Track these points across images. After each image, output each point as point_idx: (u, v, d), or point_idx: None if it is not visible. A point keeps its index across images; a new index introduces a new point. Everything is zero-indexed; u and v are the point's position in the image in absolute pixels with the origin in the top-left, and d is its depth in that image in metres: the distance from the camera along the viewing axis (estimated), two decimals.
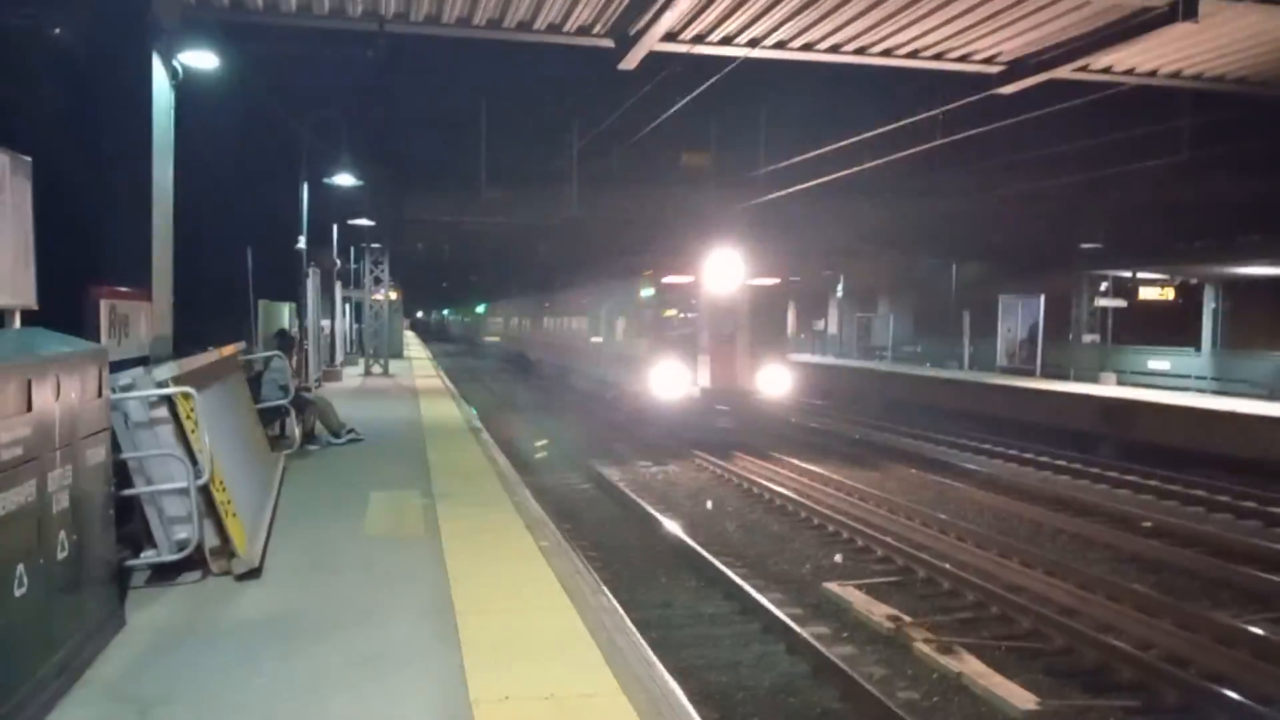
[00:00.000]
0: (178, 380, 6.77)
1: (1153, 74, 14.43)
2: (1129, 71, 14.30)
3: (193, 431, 6.70)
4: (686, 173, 28.23)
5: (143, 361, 8.45)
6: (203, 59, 10.46)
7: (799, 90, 19.94)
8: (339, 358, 30.93)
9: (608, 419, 23.59)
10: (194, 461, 6.65)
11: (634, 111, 19.93)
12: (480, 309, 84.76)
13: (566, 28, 13.03)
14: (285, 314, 18.73)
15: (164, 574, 6.74)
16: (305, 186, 19.84)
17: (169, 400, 6.68)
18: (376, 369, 29.80)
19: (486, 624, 5.73)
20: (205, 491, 6.72)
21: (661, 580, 10.57)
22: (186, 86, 11.00)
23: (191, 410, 6.77)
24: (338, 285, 31.03)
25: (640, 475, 16.77)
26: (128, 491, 6.58)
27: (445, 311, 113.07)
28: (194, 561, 6.81)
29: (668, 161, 27.48)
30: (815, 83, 18.14)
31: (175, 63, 10.43)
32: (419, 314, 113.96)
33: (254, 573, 6.79)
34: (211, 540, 6.78)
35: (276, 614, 6.03)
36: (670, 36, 13.14)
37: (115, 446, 6.34)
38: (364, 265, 32.01)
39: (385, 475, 11.05)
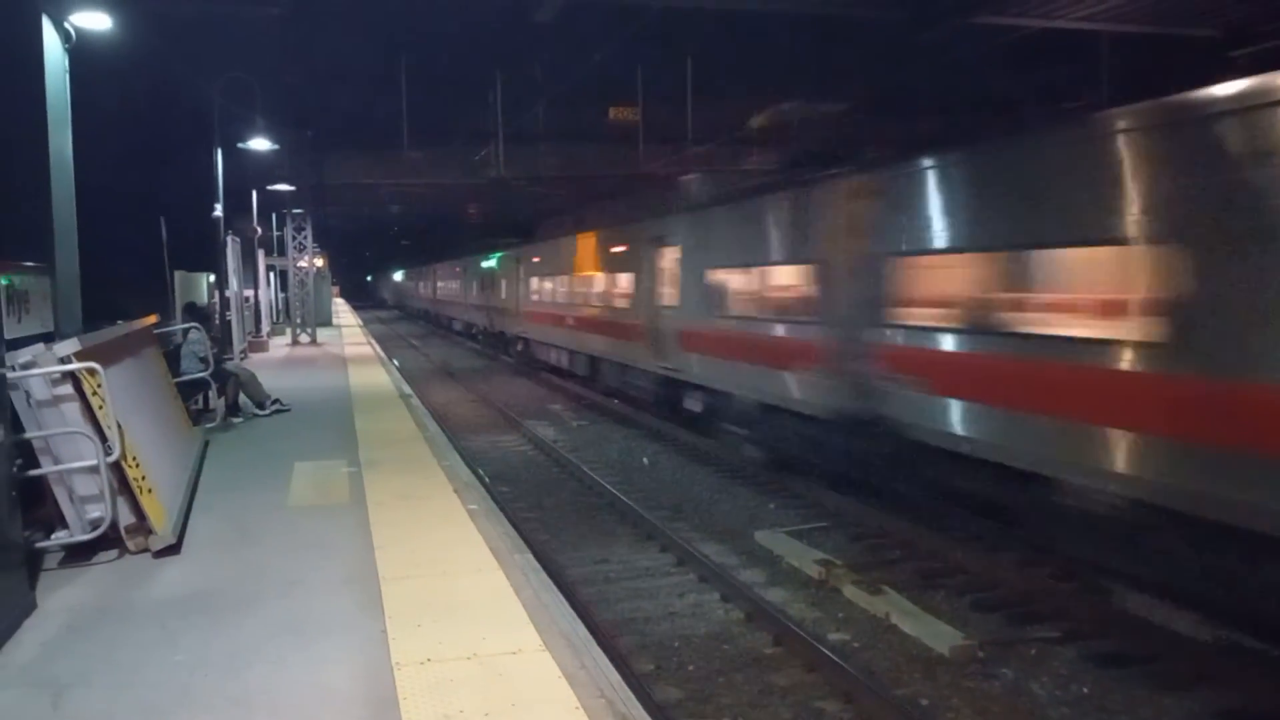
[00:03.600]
0: (81, 356, 6.55)
1: None
2: None
3: (100, 408, 6.50)
4: (614, 128, 27.83)
5: (47, 338, 8.15)
6: (96, 20, 9.98)
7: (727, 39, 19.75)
8: (265, 328, 30.31)
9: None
10: (103, 438, 6.46)
11: (557, 65, 19.62)
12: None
13: None
14: (203, 284, 18.24)
15: (79, 554, 6.58)
16: (219, 152, 19.22)
17: (73, 376, 6.47)
18: (304, 338, 29.27)
19: (411, 589, 5.69)
20: (117, 468, 6.55)
21: (599, 536, 10.62)
22: (83, 51, 10.52)
23: (98, 386, 6.57)
24: (260, 253, 30.29)
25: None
26: (34, 472, 6.39)
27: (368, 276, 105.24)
28: (110, 540, 6.66)
29: (595, 118, 27.13)
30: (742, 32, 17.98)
31: (67, 25, 9.94)
32: (368, 278, 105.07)
33: (172, 549, 6.65)
34: (126, 518, 6.62)
35: (196, 589, 5.92)
36: None
37: (17, 426, 6.14)
38: (287, 232, 31.26)
39: (311, 445, 10.86)
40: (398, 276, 77.94)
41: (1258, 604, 6.77)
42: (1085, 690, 6.59)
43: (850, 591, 8.44)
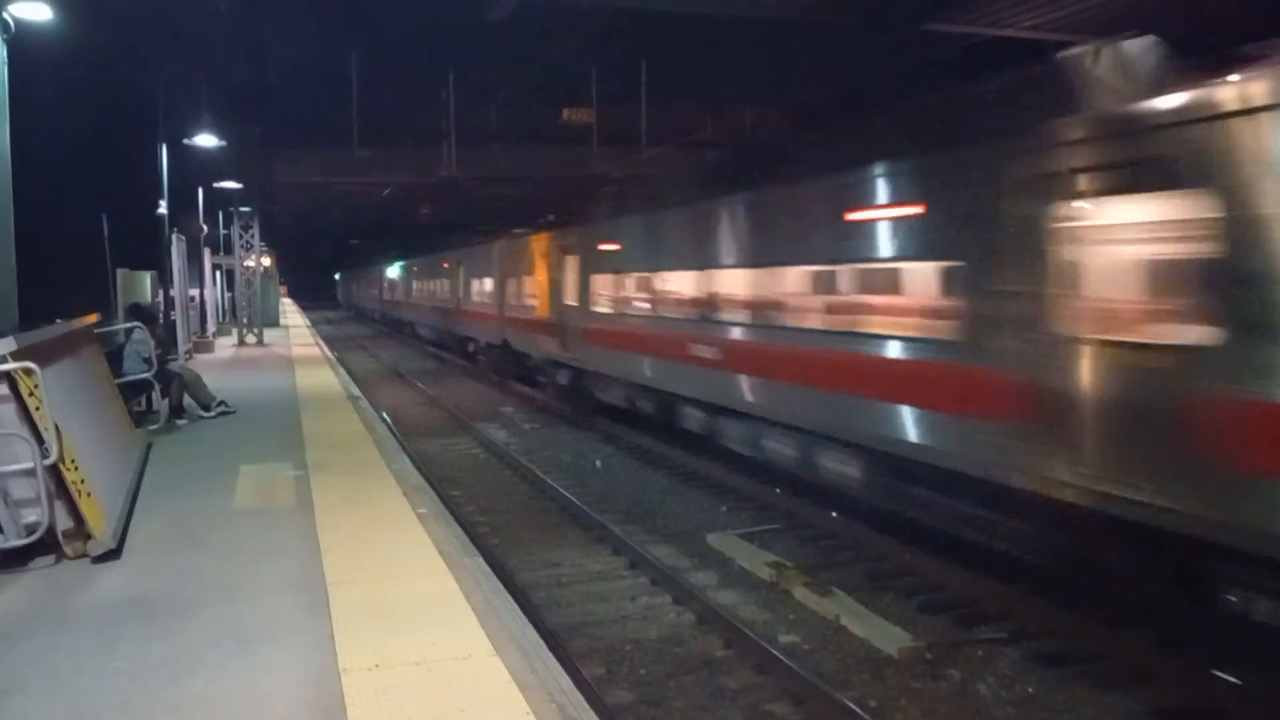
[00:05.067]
0: (17, 355, 6.37)
1: None
2: None
3: (37, 409, 6.33)
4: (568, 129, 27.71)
5: None
6: (35, 10, 9.74)
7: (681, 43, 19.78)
8: (211, 328, 29.79)
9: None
10: (40, 440, 6.29)
11: (511, 65, 19.53)
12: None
13: None
14: (147, 283, 17.86)
15: (14, 560, 6.40)
16: (164, 148, 18.85)
17: (9, 377, 6.29)
18: (251, 339, 28.82)
19: (358, 594, 5.61)
20: (54, 471, 6.38)
21: (551, 540, 10.56)
22: (22, 42, 10.26)
23: (35, 387, 6.40)
24: (206, 252, 29.78)
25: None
26: None
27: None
28: (47, 545, 6.49)
29: (549, 119, 27.01)
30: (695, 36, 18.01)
31: (5, 16, 9.68)
32: (335, 276, 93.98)
33: (112, 554, 6.50)
34: (64, 522, 6.45)
35: (136, 595, 5.78)
36: None
37: None
38: (234, 230, 30.75)
39: (257, 448, 10.69)
40: (393, 273, 48.60)
41: (1197, 607, 6.96)
42: (1030, 690, 6.68)
43: (801, 593, 8.48)
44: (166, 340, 15.94)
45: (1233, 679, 6.38)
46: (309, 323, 46.90)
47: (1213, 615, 7.05)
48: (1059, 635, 7.42)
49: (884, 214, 8.73)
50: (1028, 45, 13.88)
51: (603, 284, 15.91)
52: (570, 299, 17.34)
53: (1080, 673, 6.85)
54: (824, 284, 9.98)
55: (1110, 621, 7.50)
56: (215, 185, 25.24)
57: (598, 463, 14.55)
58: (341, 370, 20.81)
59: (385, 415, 15.56)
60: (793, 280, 10.49)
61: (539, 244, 19.84)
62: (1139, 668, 6.81)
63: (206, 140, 19.43)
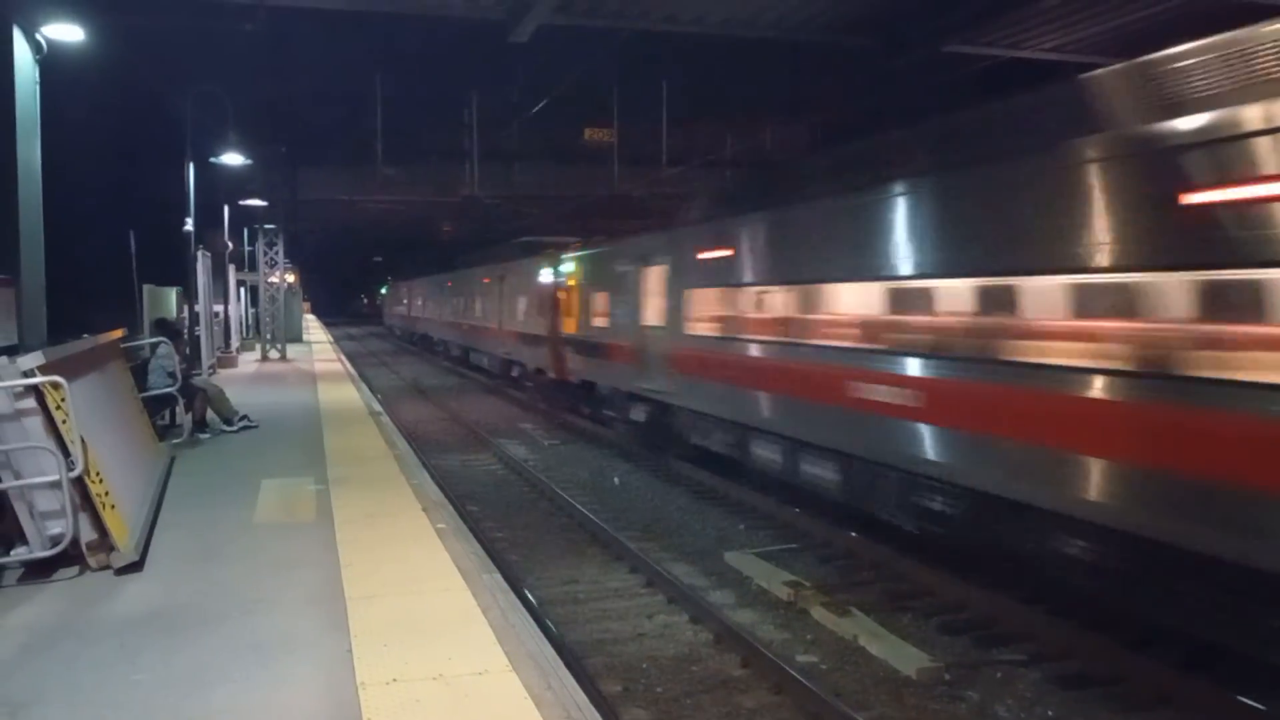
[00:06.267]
0: (45, 369, 6.47)
1: None
2: None
3: (63, 422, 6.43)
4: (589, 149, 27.93)
5: (11, 351, 8.05)
6: (68, 32, 9.94)
7: (702, 64, 19.91)
8: (235, 343, 30.06)
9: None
10: (66, 453, 6.38)
11: (533, 86, 19.72)
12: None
13: None
14: (172, 298, 18.06)
15: (38, 571, 6.49)
16: (191, 166, 19.10)
17: (37, 390, 6.39)
18: (274, 354, 29.06)
19: (377, 608, 5.65)
20: (80, 484, 6.47)
21: (569, 556, 10.57)
22: (55, 62, 10.47)
23: (62, 400, 6.49)
24: (231, 268, 30.09)
25: None
26: None
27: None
28: (71, 557, 6.56)
29: (570, 137, 27.21)
30: (718, 56, 18.13)
31: (39, 36, 9.90)
32: (381, 290, 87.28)
33: (135, 566, 6.57)
34: (88, 534, 6.53)
35: (158, 607, 5.84)
36: (563, 8, 12.98)
37: None
38: (258, 247, 31.08)
39: (279, 462, 10.77)
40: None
41: (1217, 629, 6.88)
42: (1050, 713, 6.63)
43: (819, 613, 8.45)
44: (191, 355, 16.13)
45: (1255, 704, 6.32)
46: (332, 339, 47.21)
47: (1235, 638, 6.97)
48: (1079, 657, 7.36)
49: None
50: (1045, 67, 13.89)
51: None
52: None
53: (1101, 695, 6.80)
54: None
55: (1131, 644, 7.44)
56: (240, 202, 25.52)
57: (616, 480, 14.56)
58: (363, 386, 20.94)
59: (405, 431, 15.62)
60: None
61: None
62: (1160, 691, 6.74)
63: (233, 158, 19.69)
